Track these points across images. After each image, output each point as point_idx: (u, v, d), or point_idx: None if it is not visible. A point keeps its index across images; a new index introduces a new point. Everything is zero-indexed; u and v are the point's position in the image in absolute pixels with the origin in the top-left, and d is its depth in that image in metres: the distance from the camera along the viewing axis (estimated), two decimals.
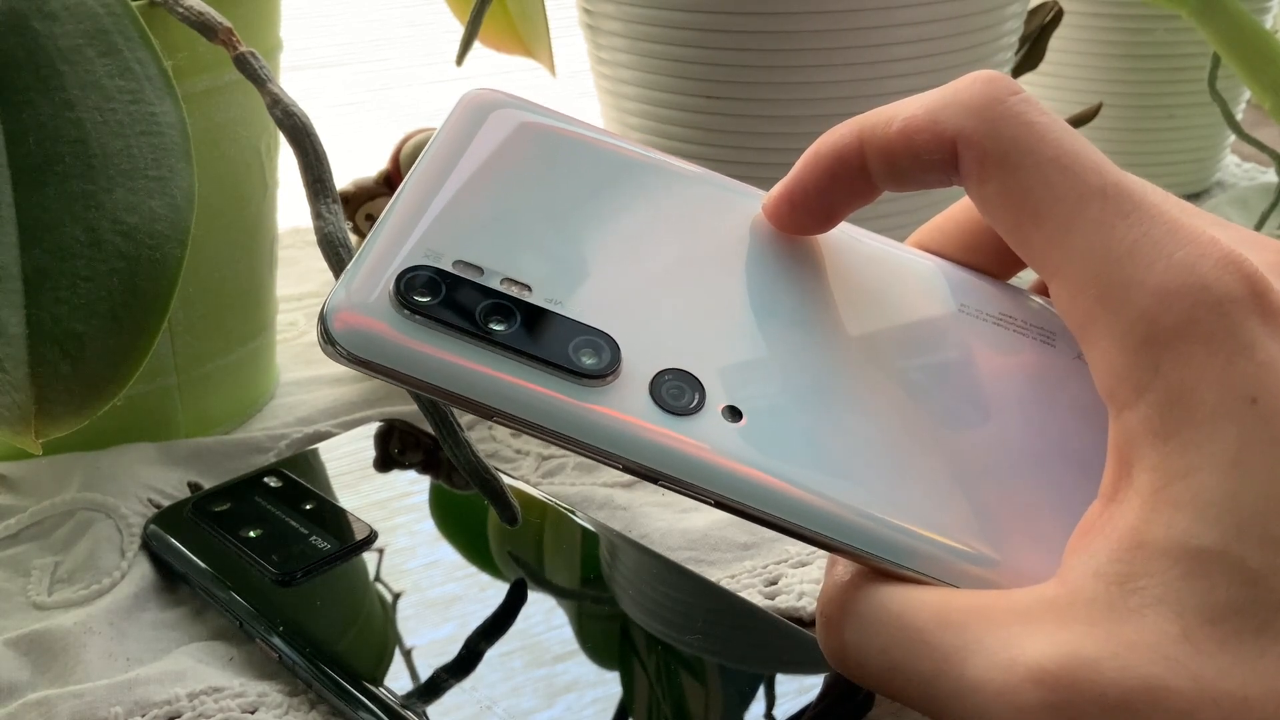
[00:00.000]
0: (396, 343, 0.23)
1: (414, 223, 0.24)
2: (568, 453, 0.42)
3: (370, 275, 0.23)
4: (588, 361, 0.23)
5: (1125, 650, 0.20)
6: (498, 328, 0.23)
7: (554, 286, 0.24)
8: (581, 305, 0.24)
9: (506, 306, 0.23)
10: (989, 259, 0.28)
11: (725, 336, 0.25)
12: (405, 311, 0.23)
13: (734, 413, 0.24)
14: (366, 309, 0.23)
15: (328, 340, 0.23)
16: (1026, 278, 0.28)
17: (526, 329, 0.23)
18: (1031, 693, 0.20)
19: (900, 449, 0.24)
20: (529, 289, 0.24)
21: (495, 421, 0.23)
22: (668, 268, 0.25)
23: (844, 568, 0.24)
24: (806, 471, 0.23)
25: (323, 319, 0.23)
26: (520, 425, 0.23)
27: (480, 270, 0.24)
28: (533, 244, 0.25)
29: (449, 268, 0.24)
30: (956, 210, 0.28)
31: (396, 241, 0.24)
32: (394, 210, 0.24)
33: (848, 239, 0.27)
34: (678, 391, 0.24)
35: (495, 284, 0.24)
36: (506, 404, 0.23)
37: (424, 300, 0.23)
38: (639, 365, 0.24)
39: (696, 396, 0.24)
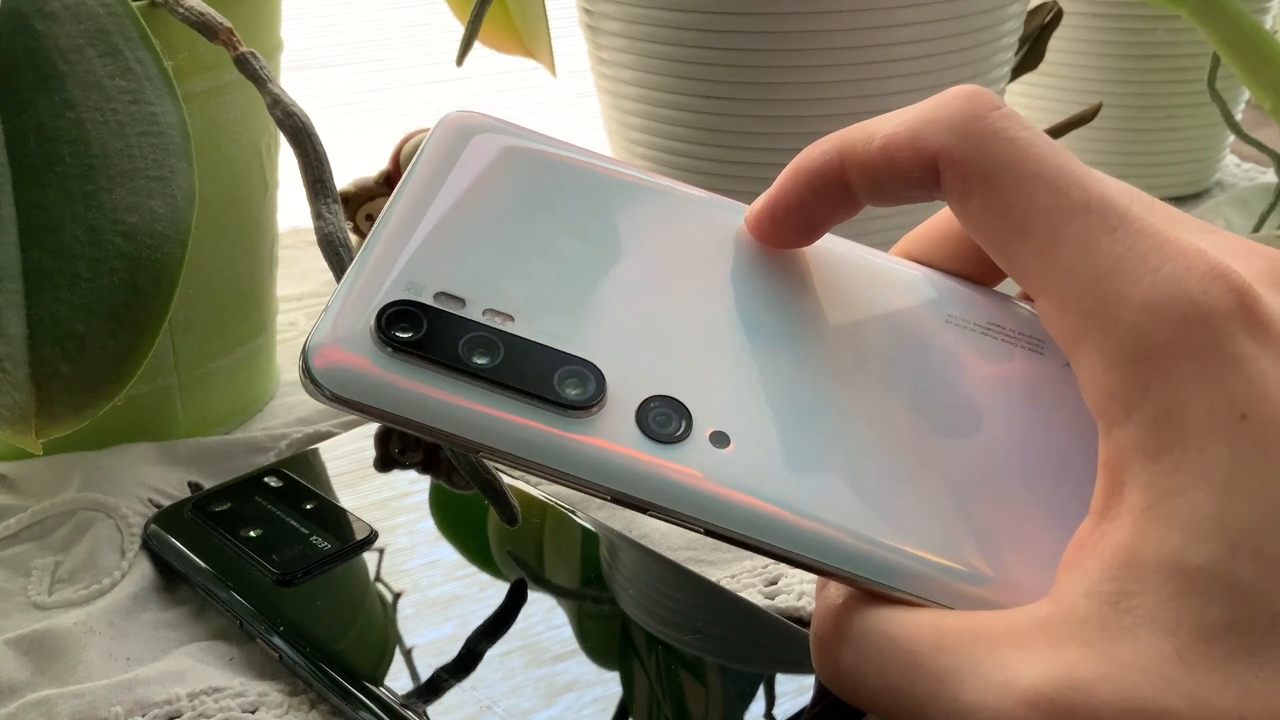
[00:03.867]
0: (378, 380, 0.22)
1: (395, 255, 0.24)
2: None
3: (351, 311, 0.23)
4: (573, 393, 0.23)
5: (1119, 671, 0.20)
6: (481, 361, 0.23)
7: (537, 315, 0.24)
8: (565, 334, 0.24)
9: (489, 339, 0.23)
10: (974, 266, 0.27)
11: (710, 359, 0.24)
12: (388, 349, 0.22)
13: (722, 438, 0.23)
14: (347, 345, 0.22)
15: (310, 379, 0.22)
16: (1014, 285, 0.28)
17: (510, 361, 0.23)
18: (1026, 716, 0.20)
19: (891, 468, 0.24)
20: (512, 319, 0.24)
21: (483, 457, 0.23)
22: (651, 290, 0.25)
23: (836, 590, 0.24)
24: (796, 496, 0.23)
25: (304, 357, 0.22)
26: (507, 460, 0.22)
27: (462, 302, 0.24)
28: (515, 272, 0.24)
29: (430, 301, 0.23)
30: (941, 218, 0.28)
31: (377, 275, 0.23)
32: (375, 241, 0.24)
33: (832, 251, 0.27)
34: (664, 419, 0.23)
35: (478, 315, 0.23)
36: (492, 439, 0.22)
37: (405, 336, 0.23)
38: (625, 393, 0.23)
39: (683, 423, 0.23)
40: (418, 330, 0.23)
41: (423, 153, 0.26)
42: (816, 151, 0.25)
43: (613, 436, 0.23)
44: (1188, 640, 0.20)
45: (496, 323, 0.24)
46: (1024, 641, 0.21)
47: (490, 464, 0.33)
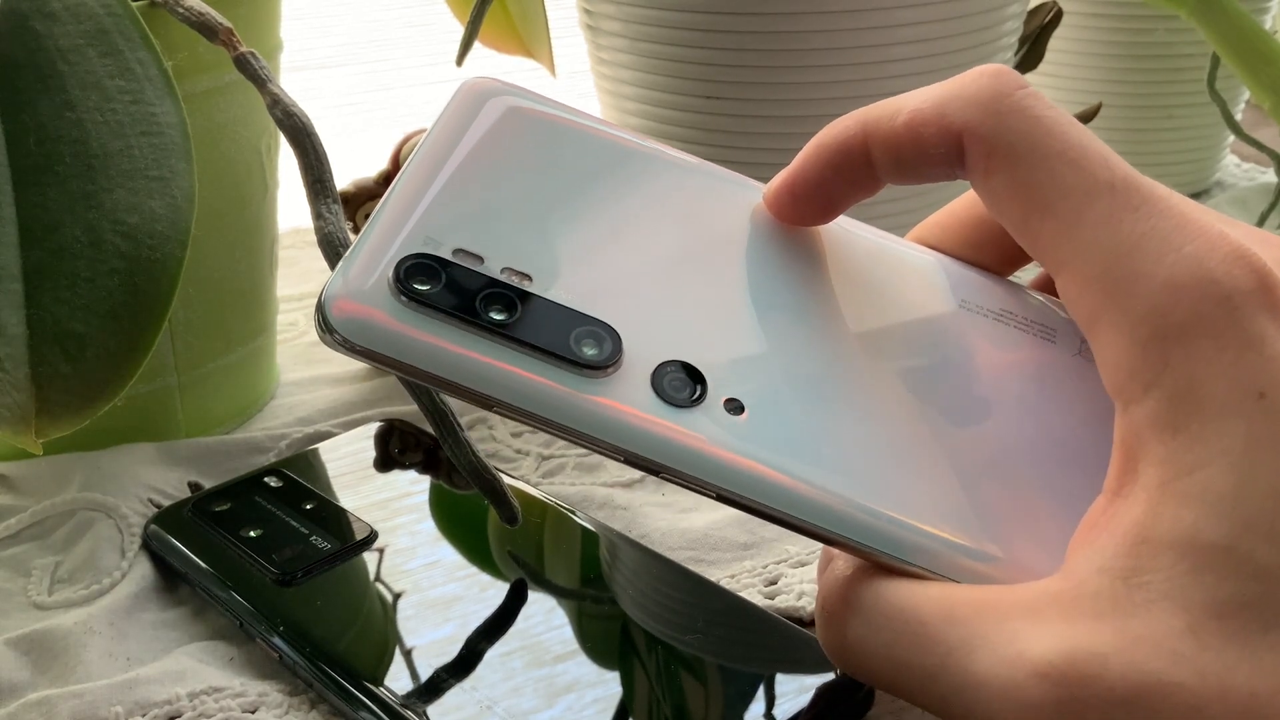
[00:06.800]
0: (395, 330, 0.22)
1: (413, 209, 0.24)
2: (568, 452, 0.42)
3: (368, 262, 0.23)
4: (589, 352, 0.23)
5: (1131, 645, 0.20)
6: (498, 317, 0.23)
7: (555, 276, 0.24)
8: (583, 295, 0.24)
9: (507, 295, 0.23)
10: (990, 254, 0.28)
11: (727, 328, 0.25)
12: (404, 299, 0.23)
13: (736, 405, 0.24)
14: (364, 296, 0.23)
15: (325, 328, 0.22)
16: (1026, 275, 0.28)
17: (527, 319, 0.23)
18: (1037, 688, 0.20)
19: (902, 444, 0.24)
20: (530, 278, 0.24)
21: (495, 412, 0.23)
22: (669, 258, 0.25)
23: (844, 562, 0.24)
24: (808, 465, 0.23)
25: (320, 307, 0.22)
26: (520, 416, 0.23)
27: (480, 259, 0.24)
28: (533, 233, 0.25)
29: (449, 255, 0.23)
30: (958, 205, 0.28)
31: (395, 228, 0.24)
32: (392, 197, 0.24)
33: (849, 233, 0.27)
34: (679, 383, 0.23)
35: (496, 273, 0.24)
36: (506, 394, 0.22)
37: (423, 288, 0.23)
38: (641, 357, 0.23)
39: (698, 389, 0.23)
40: (435, 284, 0.23)
41: (443, 115, 0.26)
42: (839, 127, 0.26)
43: (627, 398, 0.23)
44: (1200, 616, 0.20)
45: (515, 281, 0.24)
46: (1035, 614, 0.21)
47: (490, 464, 0.33)
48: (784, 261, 0.26)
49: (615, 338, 0.23)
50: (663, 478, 0.23)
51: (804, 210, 0.26)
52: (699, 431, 0.23)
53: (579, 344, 0.23)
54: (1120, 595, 0.20)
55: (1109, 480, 0.22)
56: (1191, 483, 0.21)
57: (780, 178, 0.26)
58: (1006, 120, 0.23)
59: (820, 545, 0.25)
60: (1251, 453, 0.20)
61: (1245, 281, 0.21)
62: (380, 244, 0.23)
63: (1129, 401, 0.22)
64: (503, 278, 0.24)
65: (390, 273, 0.23)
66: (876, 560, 0.23)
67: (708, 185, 0.27)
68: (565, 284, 0.24)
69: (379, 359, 0.22)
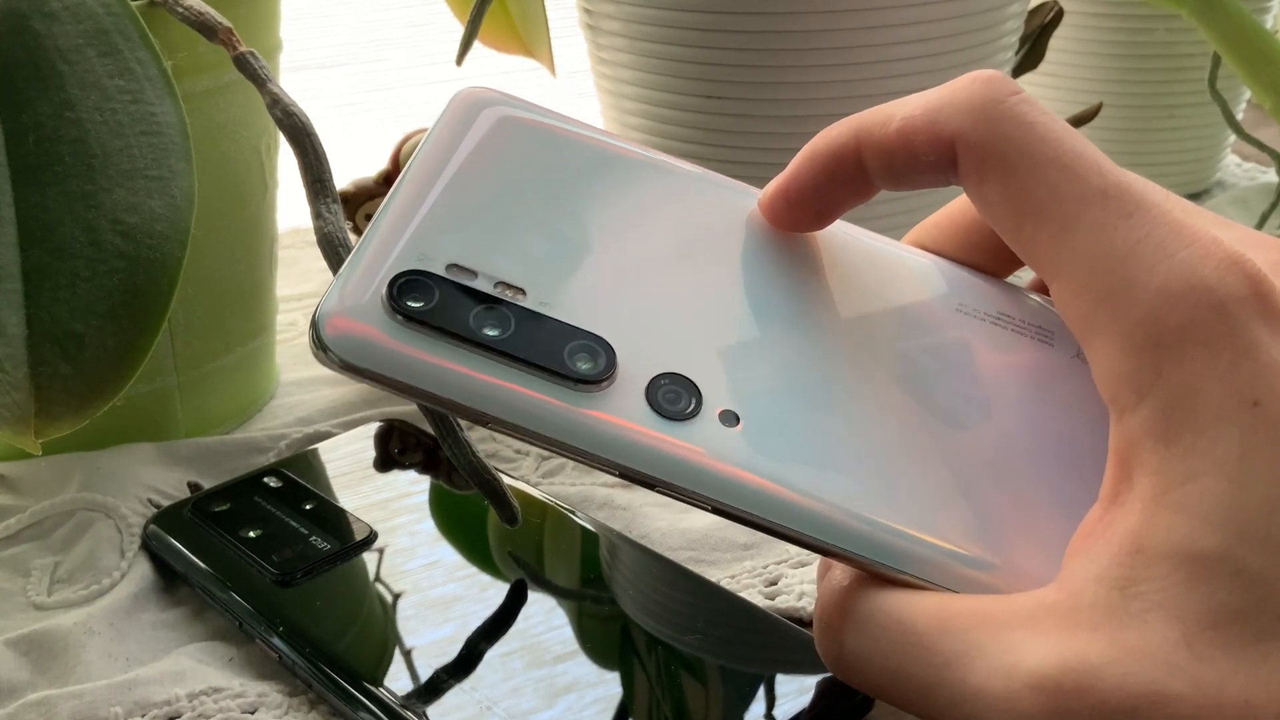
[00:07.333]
0: (389, 349, 0.22)
1: (406, 225, 0.24)
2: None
3: (362, 280, 0.23)
4: (583, 366, 0.23)
5: (1127, 656, 0.20)
6: (491, 333, 0.23)
7: (548, 289, 0.24)
8: (576, 308, 0.24)
9: (500, 311, 0.23)
10: (986, 257, 0.27)
11: (721, 339, 0.24)
12: (398, 317, 0.23)
13: (731, 417, 0.23)
14: (358, 314, 0.23)
15: (319, 346, 0.22)
16: (1024, 276, 0.28)
17: (521, 334, 0.23)
18: (1033, 699, 0.20)
19: (898, 452, 0.24)
20: (523, 292, 0.24)
21: (491, 428, 0.23)
22: (663, 268, 0.25)
23: (841, 573, 0.24)
24: (804, 476, 0.23)
25: (314, 325, 0.22)
26: (515, 432, 0.23)
27: (474, 274, 0.24)
28: (527, 246, 0.24)
29: (441, 271, 0.23)
30: (954, 208, 0.28)
31: (388, 245, 0.24)
32: (386, 213, 0.24)
33: (844, 237, 0.27)
34: (674, 396, 0.23)
35: (489, 288, 0.24)
36: (501, 410, 0.22)
37: (416, 305, 0.23)
38: (635, 369, 0.23)
39: (693, 401, 0.23)
40: (429, 300, 0.23)
41: (435, 127, 0.26)
42: (832, 134, 0.26)
43: (622, 412, 0.23)
44: (1195, 626, 0.20)
45: (508, 295, 0.24)
46: (1031, 625, 0.21)
47: (490, 464, 0.33)
48: (779, 268, 0.26)
49: (609, 351, 0.23)
50: (658, 491, 0.23)
51: (799, 216, 0.26)
52: (694, 444, 0.23)
53: (573, 358, 0.23)
54: (1115, 605, 0.20)
55: (1104, 489, 0.22)
56: (1185, 493, 0.20)
57: (774, 184, 0.26)
58: (999, 127, 0.23)
59: None
60: (1245, 462, 0.20)
61: (1239, 288, 0.21)
62: (374, 261, 0.23)
63: (1123, 410, 0.22)
64: (496, 292, 0.24)
65: (383, 290, 0.23)
66: (873, 571, 0.23)
67: (702, 192, 0.27)
68: (559, 297, 0.24)
69: (373, 377, 0.22)
